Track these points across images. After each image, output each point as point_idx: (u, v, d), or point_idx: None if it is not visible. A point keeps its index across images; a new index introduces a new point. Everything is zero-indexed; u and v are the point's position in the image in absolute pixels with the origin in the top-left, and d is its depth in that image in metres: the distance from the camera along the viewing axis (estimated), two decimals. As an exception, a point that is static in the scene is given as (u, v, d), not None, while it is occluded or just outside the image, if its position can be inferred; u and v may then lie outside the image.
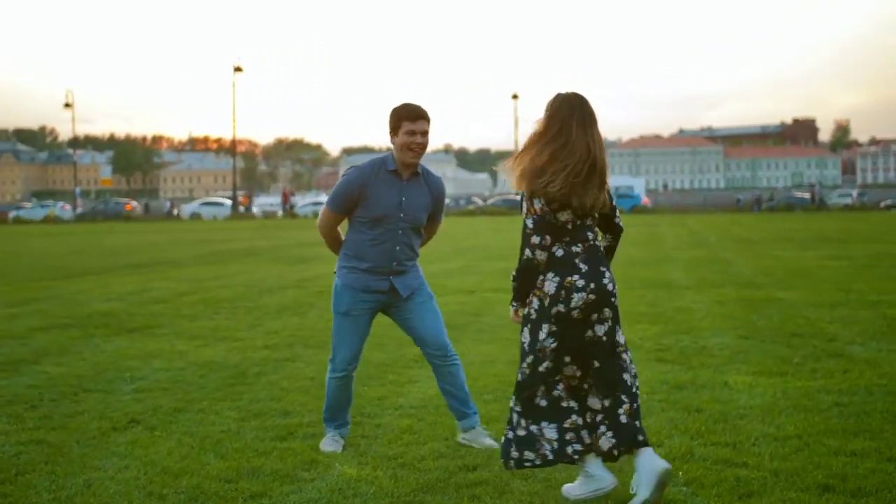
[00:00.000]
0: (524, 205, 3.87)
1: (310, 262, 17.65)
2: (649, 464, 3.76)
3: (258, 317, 9.98)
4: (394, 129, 4.68)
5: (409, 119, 4.65)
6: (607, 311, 3.89)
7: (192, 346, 8.09)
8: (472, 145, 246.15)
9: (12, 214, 59.74)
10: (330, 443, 4.83)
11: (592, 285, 3.84)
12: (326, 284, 5.05)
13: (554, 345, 3.84)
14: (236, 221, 51.94)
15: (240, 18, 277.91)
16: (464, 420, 4.88)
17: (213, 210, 59.90)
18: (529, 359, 3.87)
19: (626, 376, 3.91)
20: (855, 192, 67.82)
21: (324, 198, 48.48)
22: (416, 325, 4.85)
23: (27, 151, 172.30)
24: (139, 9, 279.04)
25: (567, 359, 3.88)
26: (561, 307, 3.82)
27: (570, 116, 3.84)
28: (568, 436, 3.84)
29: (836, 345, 7.54)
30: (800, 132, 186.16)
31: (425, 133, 4.69)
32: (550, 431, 3.85)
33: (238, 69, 62.13)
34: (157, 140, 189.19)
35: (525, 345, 3.93)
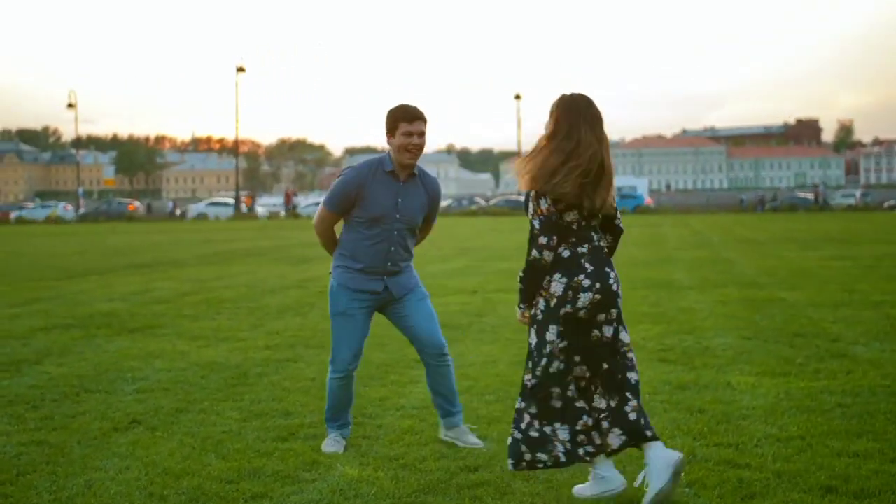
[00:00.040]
0: (530, 205, 3.87)
1: (312, 263, 17.64)
2: (662, 455, 3.79)
3: (260, 317, 9.97)
4: (390, 131, 4.68)
5: (405, 120, 4.65)
6: (614, 312, 3.90)
7: (193, 346, 8.09)
8: (475, 145, 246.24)
9: (14, 215, 59.81)
10: (331, 443, 4.82)
11: (598, 285, 3.84)
12: (328, 285, 5.04)
13: (563, 344, 3.85)
14: (239, 222, 51.97)
15: (242, 18, 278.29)
16: (448, 418, 4.90)
17: (219, 210, 60.03)
18: (543, 361, 3.86)
19: (631, 375, 3.93)
20: (858, 193, 67.74)
21: (326, 198, 48.17)
22: (413, 325, 4.85)
23: (30, 151, 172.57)
24: (142, 9, 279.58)
25: (577, 358, 3.89)
26: (568, 308, 3.83)
27: (578, 117, 3.85)
28: (579, 438, 3.86)
29: (839, 345, 7.52)
30: (803, 132, 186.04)
31: (422, 134, 4.69)
32: (563, 433, 3.86)
33: (241, 69, 62.19)
34: (160, 140, 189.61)
35: (532, 346, 3.93)
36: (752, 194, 73.76)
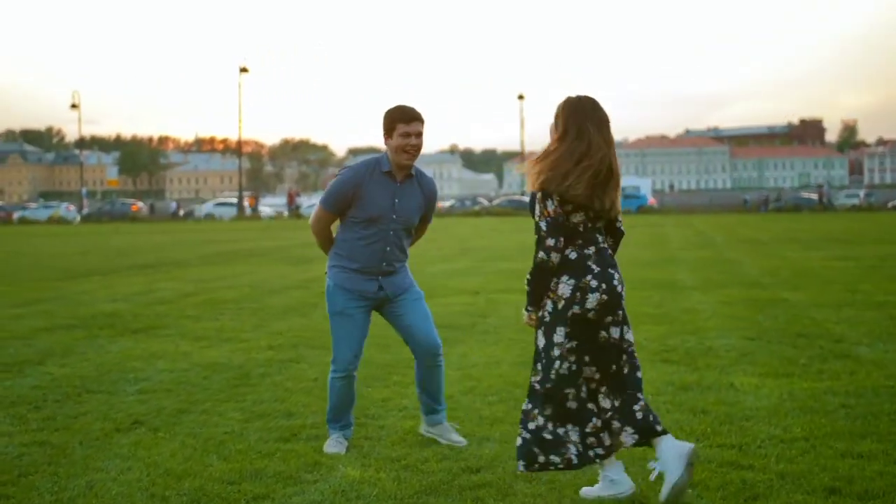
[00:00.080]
0: (537, 207, 3.88)
1: (314, 263, 17.63)
2: (675, 447, 3.82)
3: (263, 318, 9.97)
4: (388, 132, 4.69)
5: (403, 121, 4.65)
6: (619, 313, 3.93)
7: (196, 347, 8.08)
8: (478, 146, 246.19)
9: (17, 215, 59.85)
10: (333, 444, 4.81)
11: (604, 286, 3.86)
12: (325, 285, 5.05)
13: (571, 345, 3.86)
14: (243, 222, 51.99)
15: (245, 19, 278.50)
16: (432, 415, 4.93)
17: (226, 210, 60.15)
18: (555, 363, 3.87)
19: (637, 373, 3.96)
20: (862, 193, 67.56)
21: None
22: (409, 324, 4.86)
23: (34, 152, 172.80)
24: (145, 9, 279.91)
25: (586, 359, 3.91)
26: (576, 309, 3.84)
27: (585, 120, 3.87)
28: (589, 440, 3.87)
29: (842, 346, 7.50)
30: (807, 132, 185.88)
31: (420, 135, 4.70)
32: (574, 434, 3.88)
33: (244, 70, 62.24)
34: (163, 141, 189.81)
35: (540, 348, 3.93)
36: (755, 194, 73.64)
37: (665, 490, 3.79)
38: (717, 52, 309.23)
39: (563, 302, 3.85)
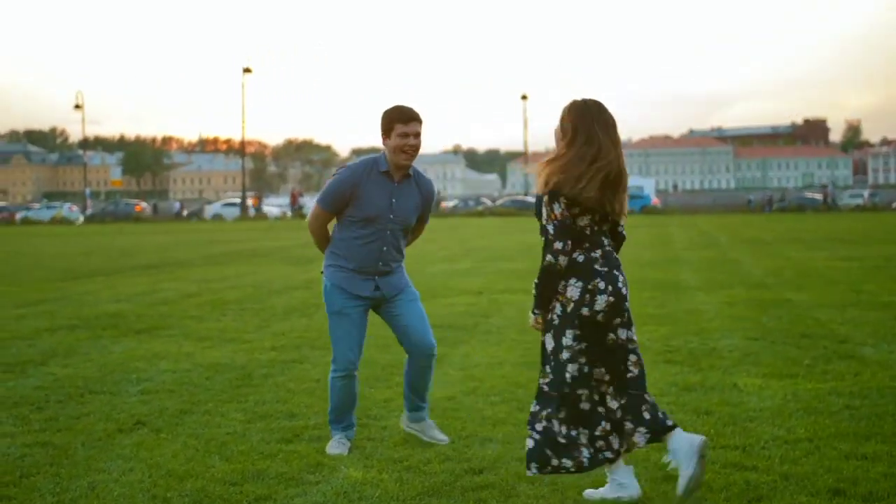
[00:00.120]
0: (544, 210, 3.89)
1: (317, 263, 17.59)
2: (686, 441, 3.86)
3: (266, 318, 9.96)
4: (386, 132, 4.69)
5: (401, 121, 4.66)
6: (625, 314, 3.95)
7: (198, 347, 8.08)
8: (481, 146, 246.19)
9: (20, 215, 59.92)
10: (336, 445, 4.81)
11: (611, 288, 3.89)
12: (322, 284, 5.05)
13: (581, 346, 3.88)
14: (246, 222, 52.02)
15: (249, 19, 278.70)
16: (416, 412, 4.97)
17: (234, 211, 60.27)
18: (567, 366, 3.88)
19: (642, 372, 3.99)
20: (866, 193, 67.44)
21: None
22: (406, 324, 4.87)
23: (38, 153, 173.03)
24: (148, 10, 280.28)
25: (596, 360, 3.93)
26: (585, 311, 3.86)
27: (594, 123, 3.89)
28: (598, 443, 3.89)
29: (847, 346, 7.47)
30: (811, 132, 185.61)
31: (418, 135, 4.70)
32: (584, 437, 3.90)
33: (247, 70, 62.22)
34: (166, 141, 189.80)
35: (549, 350, 3.94)
36: (760, 194, 73.51)
37: (681, 484, 3.84)
38: (721, 52, 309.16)
39: (572, 304, 3.87)
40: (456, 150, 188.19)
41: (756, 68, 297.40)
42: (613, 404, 3.93)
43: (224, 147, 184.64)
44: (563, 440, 3.86)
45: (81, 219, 59.04)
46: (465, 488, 4.13)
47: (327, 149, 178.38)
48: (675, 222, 38.49)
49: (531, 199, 61.11)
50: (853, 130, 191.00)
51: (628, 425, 3.90)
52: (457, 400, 5.86)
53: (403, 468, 4.45)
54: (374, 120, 4.77)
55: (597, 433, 3.88)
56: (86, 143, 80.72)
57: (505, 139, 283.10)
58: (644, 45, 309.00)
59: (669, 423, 3.92)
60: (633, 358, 3.96)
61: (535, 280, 3.93)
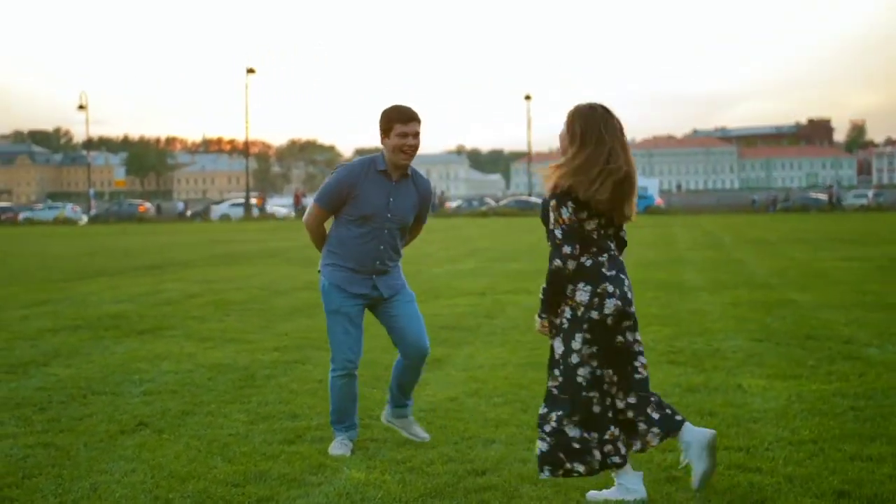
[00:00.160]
0: (551, 215, 3.89)
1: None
2: (697, 438, 3.93)
3: (268, 319, 9.95)
4: (385, 132, 4.70)
5: (400, 121, 4.66)
6: (632, 317, 3.98)
7: (201, 348, 8.07)
8: (485, 146, 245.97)
9: (22, 216, 59.99)
10: (338, 446, 4.80)
11: (618, 292, 3.91)
12: (319, 283, 5.04)
13: (591, 350, 3.90)
14: (250, 223, 52.05)
15: (252, 20, 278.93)
16: (400, 408, 5.01)
17: (242, 211, 60.34)
18: (578, 370, 3.89)
19: (646, 373, 4.02)
20: (871, 193, 67.29)
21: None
22: (403, 326, 4.88)
23: (42, 153, 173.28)
24: (152, 10, 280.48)
25: (605, 363, 3.94)
26: (595, 314, 3.88)
27: (603, 127, 3.90)
28: (607, 447, 3.91)
29: (851, 347, 7.45)
30: (815, 132, 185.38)
31: (417, 135, 4.71)
32: (595, 441, 3.91)
33: (251, 70, 62.25)
34: (170, 141, 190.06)
35: (558, 355, 3.95)
36: (764, 194, 73.40)
37: (695, 478, 3.96)
38: (724, 52, 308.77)
39: (581, 309, 3.89)
40: (459, 151, 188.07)
41: (760, 68, 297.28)
42: (622, 405, 3.96)
43: (228, 147, 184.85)
44: (577, 445, 3.88)
45: (84, 219, 59.11)
46: (467, 490, 4.11)
47: (331, 149, 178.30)
48: (678, 222, 38.44)
49: (535, 200, 61.11)
50: (857, 130, 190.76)
51: (641, 426, 3.94)
52: (460, 401, 5.84)
53: (406, 469, 4.44)
54: (378, 120, 4.76)
55: (605, 437, 3.90)
56: (90, 144, 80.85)
57: (508, 139, 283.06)
58: (647, 45, 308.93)
59: (678, 418, 3.97)
60: (641, 360, 3.99)
61: (543, 285, 3.93)
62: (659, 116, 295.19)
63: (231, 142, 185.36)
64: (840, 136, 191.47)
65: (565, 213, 3.84)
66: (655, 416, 3.94)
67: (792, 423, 5.10)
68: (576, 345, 3.89)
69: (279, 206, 66.69)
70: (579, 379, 3.89)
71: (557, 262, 3.85)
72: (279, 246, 25.10)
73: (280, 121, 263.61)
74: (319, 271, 4.90)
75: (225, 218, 58.84)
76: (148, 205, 67.55)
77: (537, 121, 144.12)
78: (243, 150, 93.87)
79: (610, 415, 3.93)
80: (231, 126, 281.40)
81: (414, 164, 4.88)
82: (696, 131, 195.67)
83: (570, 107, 4.00)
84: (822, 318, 9.12)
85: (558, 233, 3.86)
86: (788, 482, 4.10)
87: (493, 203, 65.05)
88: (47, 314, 10.54)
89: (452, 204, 68.35)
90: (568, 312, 3.92)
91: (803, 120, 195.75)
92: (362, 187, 4.70)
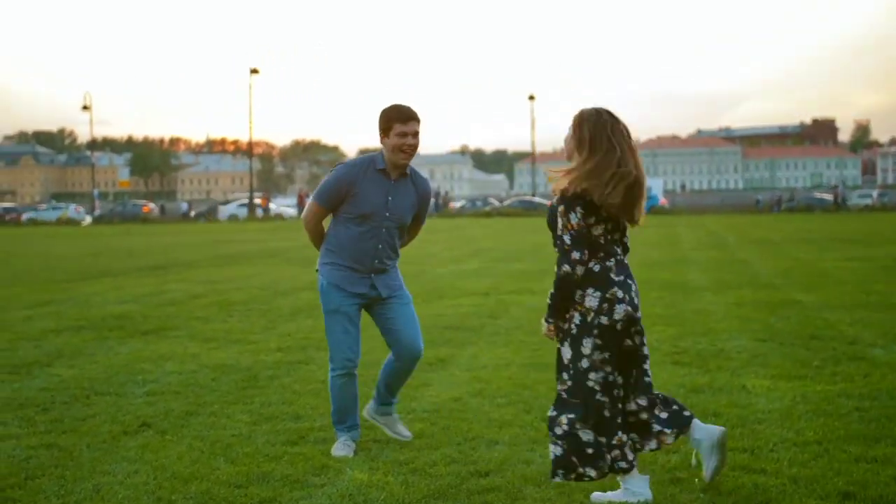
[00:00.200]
0: (559, 221, 3.89)
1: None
2: (708, 437, 3.99)
3: (272, 319, 9.95)
4: (384, 131, 4.70)
5: (400, 121, 4.66)
6: (639, 322, 3.99)
7: (204, 348, 8.07)
8: (488, 146, 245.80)
9: (25, 216, 60.07)
10: (341, 447, 4.79)
11: (627, 297, 3.92)
12: (317, 282, 5.04)
13: (603, 356, 3.90)
14: (254, 223, 52.08)
15: (256, 20, 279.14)
16: (385, 406, 5.04)
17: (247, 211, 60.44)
18: (590, 374, 3.89)
19: (650, 373, 4.06)
20: (875, 193, 67.17)
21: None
22: (399, 329, 4.89)
23: (46, 153, 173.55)
24: (157, 11, 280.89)
25: (616, 368, 3.96)
26: (604, 319, 3.88)
27: (611, 131, 3.89)
28: (614, 452, 3.91)
29: (856, 348, 7.42)
30: (819, 132, 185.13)
31: (416, 134, 4.71)
32: (604, 445, 3.92)
33: (254, 71, 62.30)
34: (174, 142, 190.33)
35: (567, 359, 3.95)
36: (768, 194, 73.28)
37: (707, 473, 4.03)
38: (728, 51, 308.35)
39: (591, 314, 3.89)
40: (463, 151, 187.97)
41: (765, 67, 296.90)
42: (634, 407, 3.98)
43: (232, 148, 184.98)
44: (590, 450, 3.88)
45: (88, 219, 59.18)
46: (470, 491, 4.10)
47: (335, 149, 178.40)
48: (682, 222, 38.40)
49: (539, 200, 61.05)
50: (862, 130, 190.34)
51: (655, 426, 3.96)
52: (463, 401, 5.83)
53: (409, 471, 4.43)
54: (377, 120, 4.76)
55: (613, 442, 3.90)
56: (94, 144, 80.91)
57: (511, 139, 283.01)
58: (651, 45, 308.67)
59: (687, 413, 4.03)
60: (647, 364, 4.02)
61: (551, 290, 3.93)
62: (662, 116, 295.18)
63: (235, 142, 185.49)
64: (844, 135, 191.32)
65: (574, 219, 3.84)
66: (664, 415, 3.97)
67: (796, 423, 5.08)
68: (585, 350, 3.89)
69: (287, 206, 66.69)
70: (590, 383, 3.89)
71: (566, 268, 3.85)
72: (282, 246, 25.10)
73: (284, 121, 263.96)
74: (317, 270, 4.89)
75: (233, 218, 58.94)
76: (152, 205, 67.59)
77: (539, 121, 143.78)
78: (247, 150, 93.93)
79: (619, 420, 3.93)
80: (235, 126, 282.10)
81: (418, 164, 4.90)
82: (700, 131, 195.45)
83: (575, 111, 4.00)
84: (826, 318, 9.10)
85: (567, 238, 3.85)
86: (793, 483, 4.08)
87: (496, 203, 64.99)
88: (51, 315, 10.55)
89: (456, 204, 68.29)
90: (577, 318, 3.91)
91: (807, 120, 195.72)
92: (361, 185, 4.71)
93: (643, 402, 3.97)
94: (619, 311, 3.88)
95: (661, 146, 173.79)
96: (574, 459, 3.88)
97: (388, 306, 4.87)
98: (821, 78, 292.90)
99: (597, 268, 3.89)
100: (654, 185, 67.52)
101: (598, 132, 3.88)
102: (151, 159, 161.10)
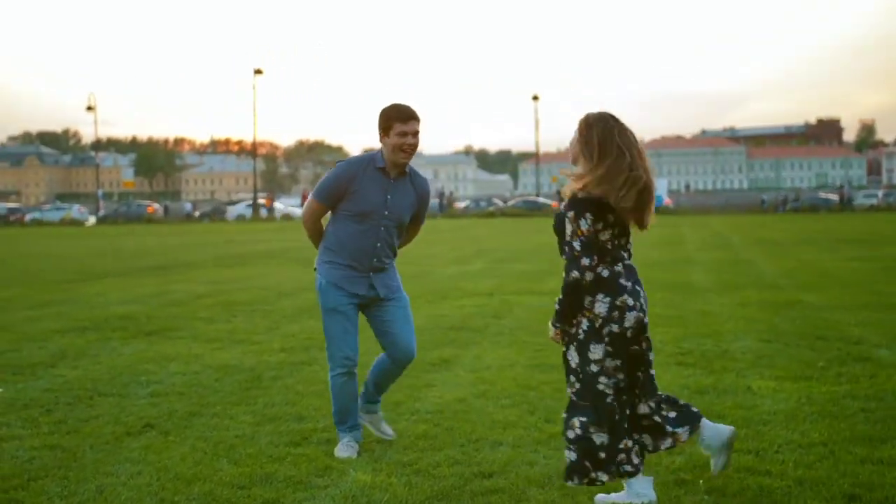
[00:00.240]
0: (568, 227, 3.87)
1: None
2: (717, 436, 4.04)
3: (275, 320, 9.94)
4: (384, 130, 4.71)
5: (400, 120, 4.66)
6: (647, 327, 4.00)
7: (208, 349, 8.06)
8: (493, 147, 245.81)
9: (29, 216, 60.16)
10: (345, 448, 4.78)
11: (637, 304, 3.92)
12: (315, 281, 5.04)
13: (615, 363, 3.91)
14: (259, 223, 52.12)
15: (260, 21, 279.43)
16: (371, 404, 5.07)
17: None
18: (602, 378, 3.89)
19: (654, 374, 4.08)
20: (880, 193, 67.02)
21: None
22: (395, 331, 4.89)
23: (51, 154, 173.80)
24: (160, 12, 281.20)
25: (625, 373, 3.97)
26: (615, 327, 3.88)
27: (619, 136, 3.89)
28: (620, 456, 3.90)
29: (861, 348, 7.39)
30: (824, 132, 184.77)
31: (416, 134, 4.72)
32: (614, 449, 3.93)
33: (258, 71, 62.34)
34: (178, 142, 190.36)
35: (574, 364, 3.95)
36: (773, 195, 73.17)
37: (715, 468, 4.09)
38: (732, 51, 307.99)
39: (600, 321, 3.88)
40: (467, 151, 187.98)
41: (769, 67, 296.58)
42: (646, 409, 4.00)
43: (236, 148, 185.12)
44: (602, 454, 3.88)
45: (91, 220, 59.26)
46: (474, 493, 4.09)
47: (339, 149, 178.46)
48: (687, 223, 38.35)
49: (543, 200, 61.08)
50: (867, 130, 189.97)
51: (668, 428, 3.98)
52: (467, 402, 5.82)
53: (412, 472, 4.41)
54: (377, 119, 4.76)
55: (620, 446, 3.90)
56: (98, 145, 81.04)
57: (514, 140, 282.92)
58: (655, 45, 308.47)
59: (695, 409, 4.07)
60: (653, 368, 4.04)
61: (559, 296, 3.92)
62: (666, 116, 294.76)
63: (239, 142, 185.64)
64: (850, 135, 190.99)
65: (584, 225, 3.82)
66: (672, 414, 4.00)
67: (802, 425, 5.06)
68: (593, 355, 3.89)
69: (294, 206, 66.70)
70: (600, 387, 3.88)
71: (575, 274, 3.83)
72: (285, 246, 25.10)
73: (288, 121, 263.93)
74: (316, 269, 4.89)
75: (241, 218, 59.02)
76: (156, 206, 67.69)
77: (542, 121, 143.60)
78: (251, 150, 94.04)
79: (626, 425, 3.93)
80: (239, 127, 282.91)
81: (422, 164, 4.90)
82: (704, 131, 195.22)
83: (578, 112, 4.01)
84: (831, 319, 9.07)
85: (577, 244, 3.84)
86: (798, 485, 4.06)
87: (500, 203, 64.99)
88: (54, 315, 10.55)
89: (460, 204, 68.33)
90: (585, 323, 3.90)
91: (812, 120, 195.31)
92: (360, 183, 4.71)
93: (653, 404, 4.00)
94: (630, 318, 3.88)
95: (665, 146, 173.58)
96: (587, 464, 3.88)
97: (385, 308, 4.86)
98: (821, 78, 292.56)
99: (605, 273, 3.88)
100: (659, 186, 67.20)
101: (606, 137, 3.87)
102: (156, 160, 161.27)
